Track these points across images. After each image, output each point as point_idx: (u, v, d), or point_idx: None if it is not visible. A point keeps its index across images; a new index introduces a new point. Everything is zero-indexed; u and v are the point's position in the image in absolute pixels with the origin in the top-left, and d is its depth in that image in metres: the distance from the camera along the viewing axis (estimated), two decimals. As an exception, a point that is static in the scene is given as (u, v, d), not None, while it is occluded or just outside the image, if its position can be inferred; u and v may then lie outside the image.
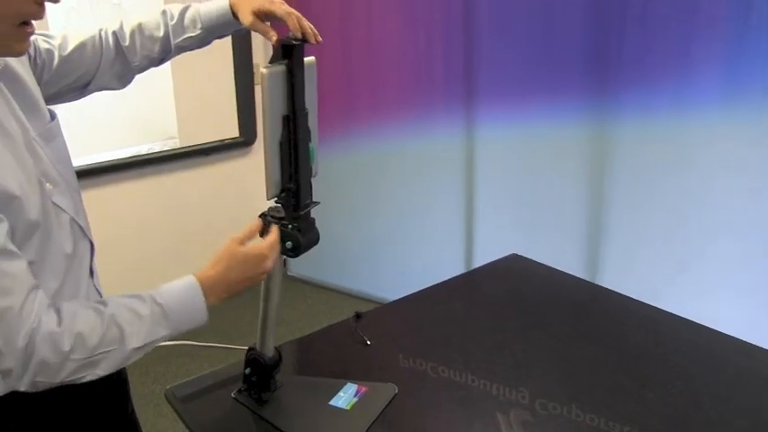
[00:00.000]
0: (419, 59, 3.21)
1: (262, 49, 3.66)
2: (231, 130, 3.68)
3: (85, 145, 3.22)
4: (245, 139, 3.71)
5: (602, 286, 2.07)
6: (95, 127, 3.22)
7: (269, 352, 1.42)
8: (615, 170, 2.82)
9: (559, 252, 2.79)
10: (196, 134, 3.57)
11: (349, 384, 1.47)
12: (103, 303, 1.07)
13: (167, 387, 1.52)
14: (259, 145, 3.77)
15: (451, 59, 3.12)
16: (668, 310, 1.81)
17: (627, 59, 2.68)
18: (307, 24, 1.23)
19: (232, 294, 1.19)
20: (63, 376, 1.01)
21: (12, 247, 0.98)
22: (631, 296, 1.90)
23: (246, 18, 1.28)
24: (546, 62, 2.87)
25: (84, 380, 1.04)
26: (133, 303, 1.09)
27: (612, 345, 1.68)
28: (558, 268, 2.09)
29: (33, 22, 1.01)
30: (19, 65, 1.14)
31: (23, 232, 1.01)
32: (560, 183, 2.96)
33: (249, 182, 3.74)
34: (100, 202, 3.21)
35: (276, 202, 1.28)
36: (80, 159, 3.16)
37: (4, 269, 0.96)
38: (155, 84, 3.33)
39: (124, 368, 1.37)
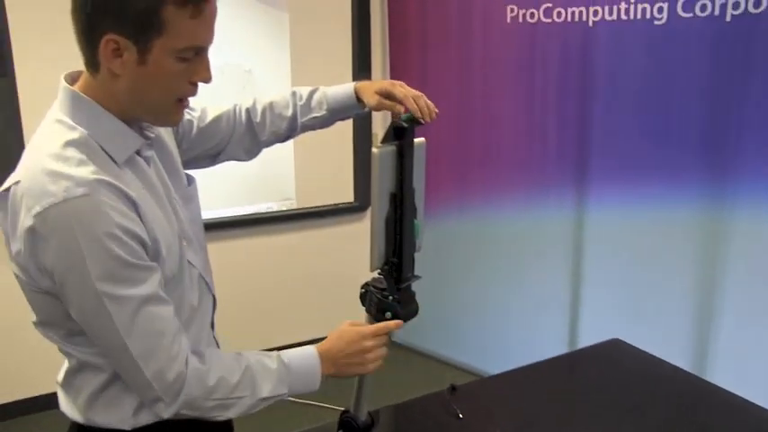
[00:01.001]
0: (533, 137, 3.25)
1: (380, 118, 3.81)
2: (347, 195, 3.81)
3: (211, 200, 3.44)
4: (359, 204, 3.83)
5: (707, 381, 1.99)
6: (221, 184, 3.44)
7: (362, 416, 1.46)
8: (730, 260, 2.73)
9: (665, 341, 2.69)
10: (312, 196, 3.73)
11: (438, 457, 1.49)
12: (239, 354, 1.21)
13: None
14: (373, 211, 3.87)
15: (565, 139, 3.14)
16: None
17: (747, 144, 2.62)
18: (424, 103, 1.31)
19: (339, 369, 1.27)
20: (202, 411, 1.16)
21: (163, 293, 1.11)
22: (741, 395, 1.82)
23: (372, 99, 1.38)
24: (662, 145, 2.84)
25: (215, 419, 1.18)
26: (263, 359, 1.22)
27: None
28: (663, 358, 2.04)
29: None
30: (165, 132, 1.28)
31: (162, 284, 1.13)
32: (671, 269, 2.89)
33: (361, 246, 3.78)
34: (219, 254, 3.38)
35: (379, 273, 1.35)
36: (205, 213, 3.37)
37: (158, 313, 1.09)
38: (277, 147, 3.51)
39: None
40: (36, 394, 3.24)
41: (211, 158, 1.51)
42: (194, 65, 1.08)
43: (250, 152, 1.54)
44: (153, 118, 1.15)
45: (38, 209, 0.99)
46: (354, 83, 1.45)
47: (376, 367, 1.31)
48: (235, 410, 1.19)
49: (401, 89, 1.34)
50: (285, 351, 1.25)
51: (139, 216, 1.07)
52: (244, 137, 1.50)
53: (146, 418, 1.20)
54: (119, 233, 1.02)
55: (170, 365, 1.10)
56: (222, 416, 1.18)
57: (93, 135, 1.07)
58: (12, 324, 3.17)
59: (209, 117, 1.45)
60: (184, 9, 1.01)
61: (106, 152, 1.07)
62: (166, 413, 1.13)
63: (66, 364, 1.22)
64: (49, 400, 3.18)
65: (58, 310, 1.10)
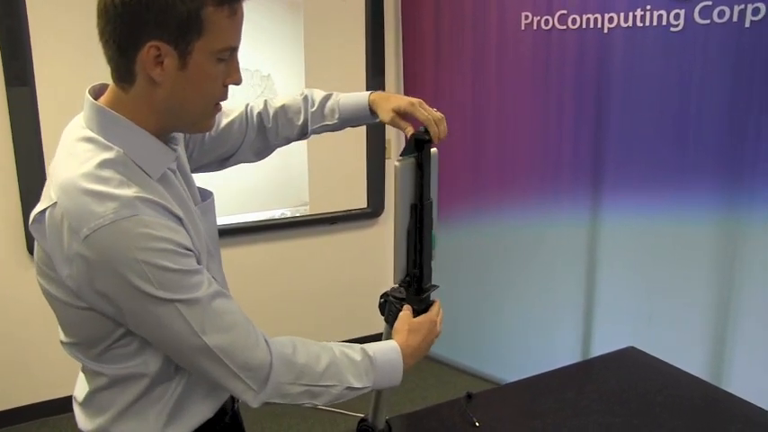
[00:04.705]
0: (547, 144, 3.25)
1: (394, 125, 3.82)
2: (360, 201, 3.82)
3: (225, 206, 3.46)
4: (372, 210, 3.84)
5: (724, 390, 1.98)
6: (235, 190, 3.46)
7: (380, 424, 1.47)
8: (747, 267, 2.72)
9: (681, 349, 2.69)
10: (326, 202, 3.74)
11: (455, 465, 1.50)
12: (323, 343, 1.22)
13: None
14: (386, 216, 3.90)
15: (580, 145, 3.14)
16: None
17: (765, 150, 2.61)
18: (444, 128, 1.31)
19: (417, 360, 1.31)
20: (291, 398, 1.17)
21: (222, 289, 1.11)
22: (759, 405, 1.80)
23: (386, 115, 1.36)
24: (678, 151, 2.84)
25: (304, 405, 1.19)
26: (346, 350, 1.23)
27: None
28: (680, 366, 2.03)
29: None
30: (180, 145, 1.26)
31: None
32: (687, 276, 2.88)
33: (374, 251, 3.86)
34: (232, 260, 3.40)
35: (399, 284, 1.35)
36: (219, 220, 3.40)
37: (226, 307, 1.10)
38: (291, 153, 3.55)
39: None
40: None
41: (220, 163, 1.49)
42: (228, 66, 1.09)
43: (260, 155, 1.52)
44: (190, 124, 1.14)
45: (86, 231, 0.98)
46: (369, 93, 1.43)
47: None
48: (323, 399, 1.20)
49: (423, 112, 1.31)
50: (368, 344, 1.26)
51: (185, 229, 1.07)
52: (255, 141, 1.49)
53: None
54: (173, 247, 1.01)
55: (253, 354, 1.10)
56: (311, 403, 1.19)
57: (129, 153, 1.05)
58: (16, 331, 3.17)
59: (223, 123, 1.44)
60: (222, 9, 1.02)
61: (142, 170, 1.06)
62: (256, 402, 1.13)
63: (86, 384, 1.21)
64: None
65: (101, 328, 1.09)
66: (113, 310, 1.04)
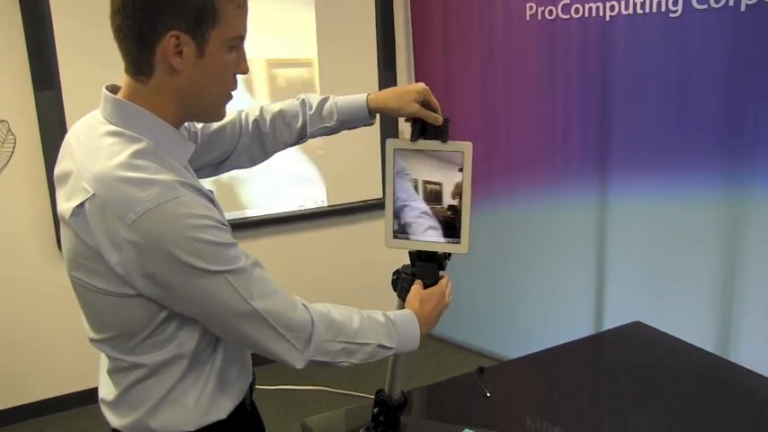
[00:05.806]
0: (555, 127, 3.33)
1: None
2: (376, 192, 3.91)
3: (243, 199, 3.59)
4: (387, 200, 3.92)
5: (729, 360, 2.03)
6: (254, 183, 3.58)
7: (396, 394, 1.57)
8: (753, 244, 2.79)
9: (690, 325, 2.76)
10: (342, 194, 3.83)
11: (467, 430, 1.59)
12: (350, 308, 1.31)
13: (304, 419, 1.70)
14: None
15: (587, 130, 3.22)
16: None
17: (766, 129, 2.68)
18: None
19: (430, 328, 1.41)
20: (331, 356, 1.25)
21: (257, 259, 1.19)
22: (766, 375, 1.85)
23: (411, 107, 1.40)
24: (682, 132, 2.91)
25: (341, 365, 1.27)
26: (371, 313, 1.33)
27: (735, 422, 1.68)
28: (689, 341, 2.08)
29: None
30: None
31: None
32: (694, 254, 2.95)
33: (389, 240, 3.91)
34: (254, 251, 3.51)
35: (421, 261, 1.46)
36: (237, 213, 3.55)
37: (265, 275, 1.19)
38: (307, 147, 3.66)
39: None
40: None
41: (214, 168, 1.52)
42: (237, 56, 1.15)
43: (254, 160, 1.54)
44: (205, 112, 1.20)
45: (132, 216, 1.01)
46: (366, 94, 1.46)
47: None
48: (358, 356, 1.28)
49: (434, 98, 1.42)
50: (386, 311, 1.34)
51: (216, 208, 1.14)
52: (251, 146, 1.50)
53: (209, 418, 1.25)
54: (214, 223, 1.08)
55: (295, 315, 1.19)
56: (348, 361, 1.27)
57: (156, 144, 1.10)
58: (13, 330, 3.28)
59: (213, 126, 1.46)
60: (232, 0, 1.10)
61: (170, 159, 1.11)
62: (301, 362, 1.21)
63: (115, 384, 1.23)
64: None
65: (143, 315, 1.12)
66: (160, 293, 1.08)
